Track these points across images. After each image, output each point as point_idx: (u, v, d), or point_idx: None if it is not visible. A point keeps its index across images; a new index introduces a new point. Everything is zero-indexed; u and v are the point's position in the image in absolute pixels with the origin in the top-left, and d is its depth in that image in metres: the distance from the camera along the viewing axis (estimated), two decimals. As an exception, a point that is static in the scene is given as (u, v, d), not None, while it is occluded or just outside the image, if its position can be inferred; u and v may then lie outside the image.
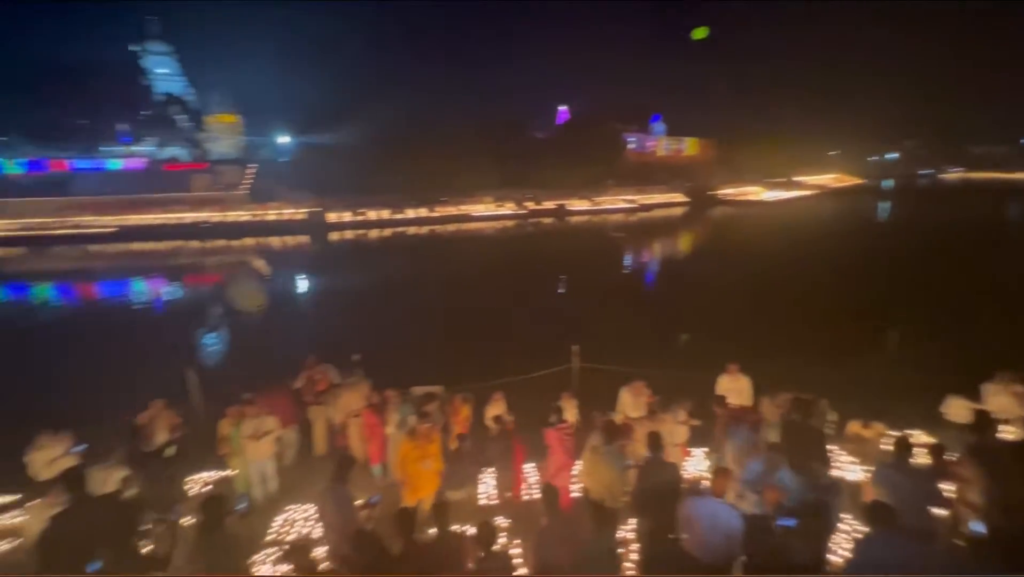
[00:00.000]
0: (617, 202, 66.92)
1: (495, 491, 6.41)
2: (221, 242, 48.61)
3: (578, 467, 5.86)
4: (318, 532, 5.20)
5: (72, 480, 4.00)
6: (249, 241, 48.36)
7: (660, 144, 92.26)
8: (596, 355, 9.09)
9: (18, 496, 6.17)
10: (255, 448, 6.27)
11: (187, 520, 5.29)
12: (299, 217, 54.06)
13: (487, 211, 59.63)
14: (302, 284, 30.45)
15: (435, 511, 4.08)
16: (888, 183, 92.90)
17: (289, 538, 5.53)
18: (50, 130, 62.02)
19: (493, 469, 6.48)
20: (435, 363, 11.40)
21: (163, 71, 73.40)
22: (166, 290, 29.56)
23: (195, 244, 48.40)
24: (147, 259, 42.07)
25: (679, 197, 71.17)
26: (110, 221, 53.38)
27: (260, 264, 38.44)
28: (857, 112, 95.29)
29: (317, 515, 5.27)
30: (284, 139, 70.09)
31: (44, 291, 30.34)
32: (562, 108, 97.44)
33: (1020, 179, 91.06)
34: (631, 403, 7.20)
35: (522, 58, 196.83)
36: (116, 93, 65.59)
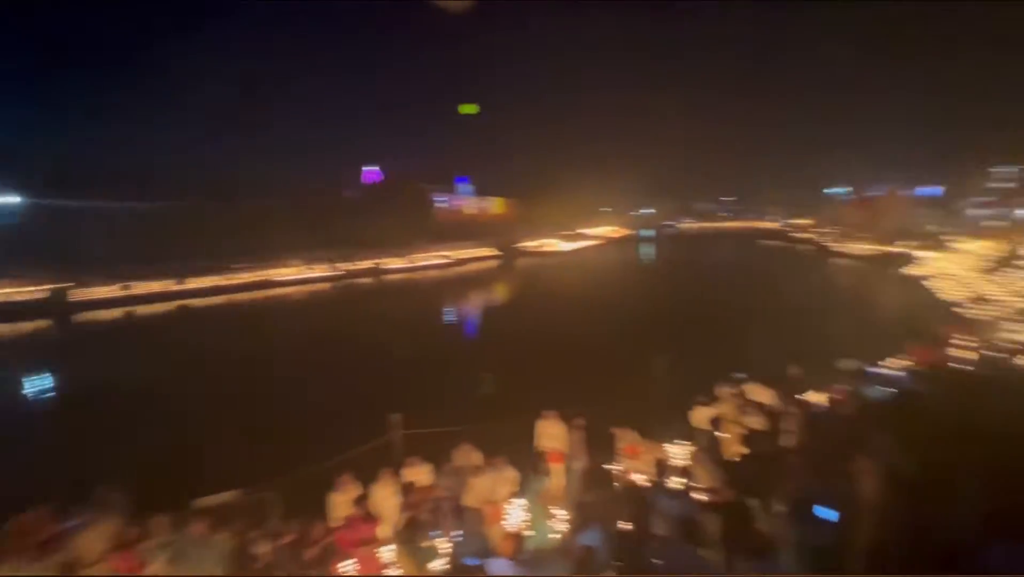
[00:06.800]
0: (432, 258, 68.57)
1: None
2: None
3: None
4: None
5: None
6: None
7: (469, 203, 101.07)
8: (421, 419, 8.66)
9: None
10: None
11: None
12: (39, 296, 42.93)
13: (296, 275, 55.55)
14: (33, 378, 23.71)
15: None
16: (648, 232, 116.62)
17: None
18: None
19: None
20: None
21: None
22: None
23: None
24: None
25: (489, 251, 76.29)
26: None
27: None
28: (619, 178, 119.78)
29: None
30: (9, 199, 54.54)
31: None
32: (369, 168, 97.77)
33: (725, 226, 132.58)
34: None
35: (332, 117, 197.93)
36: None
